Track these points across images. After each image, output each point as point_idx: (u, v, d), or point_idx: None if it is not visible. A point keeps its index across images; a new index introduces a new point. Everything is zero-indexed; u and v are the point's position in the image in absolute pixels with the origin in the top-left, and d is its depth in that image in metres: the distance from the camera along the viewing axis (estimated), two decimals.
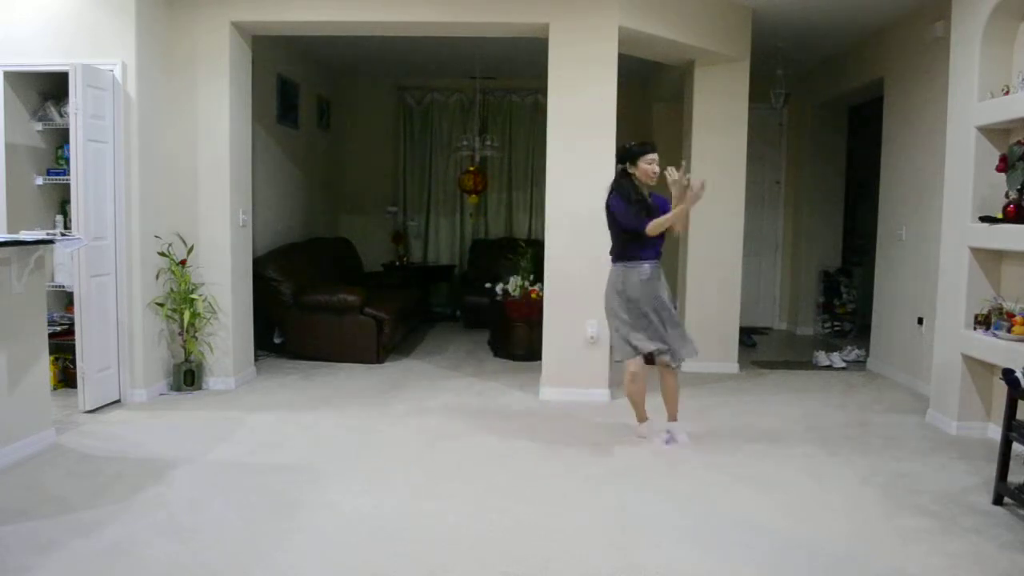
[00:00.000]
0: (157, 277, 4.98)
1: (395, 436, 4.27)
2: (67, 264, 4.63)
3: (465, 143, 8.01)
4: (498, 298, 6.41)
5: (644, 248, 3.99)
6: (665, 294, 4.05)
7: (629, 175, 4.03)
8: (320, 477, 3.58)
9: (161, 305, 4.99)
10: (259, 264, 5.98)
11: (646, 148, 4.02)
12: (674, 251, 6.53)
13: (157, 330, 5.01)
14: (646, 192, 4.03)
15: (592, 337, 5.08)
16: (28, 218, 4.79)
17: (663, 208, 4.02)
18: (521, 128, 8.72)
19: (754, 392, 5.42)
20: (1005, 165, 4.06)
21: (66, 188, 4.68)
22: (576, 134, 5.01)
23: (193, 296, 5.02)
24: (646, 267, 3.99)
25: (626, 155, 4.05)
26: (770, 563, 2.79)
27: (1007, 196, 4.03)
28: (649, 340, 4.02)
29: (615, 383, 5.26)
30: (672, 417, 4.22)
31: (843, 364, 6.30)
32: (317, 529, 3.02)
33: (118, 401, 4.79)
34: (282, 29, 5.44)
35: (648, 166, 3.99)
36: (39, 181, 4.96)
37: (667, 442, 4.14)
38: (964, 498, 3.42)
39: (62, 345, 4.82)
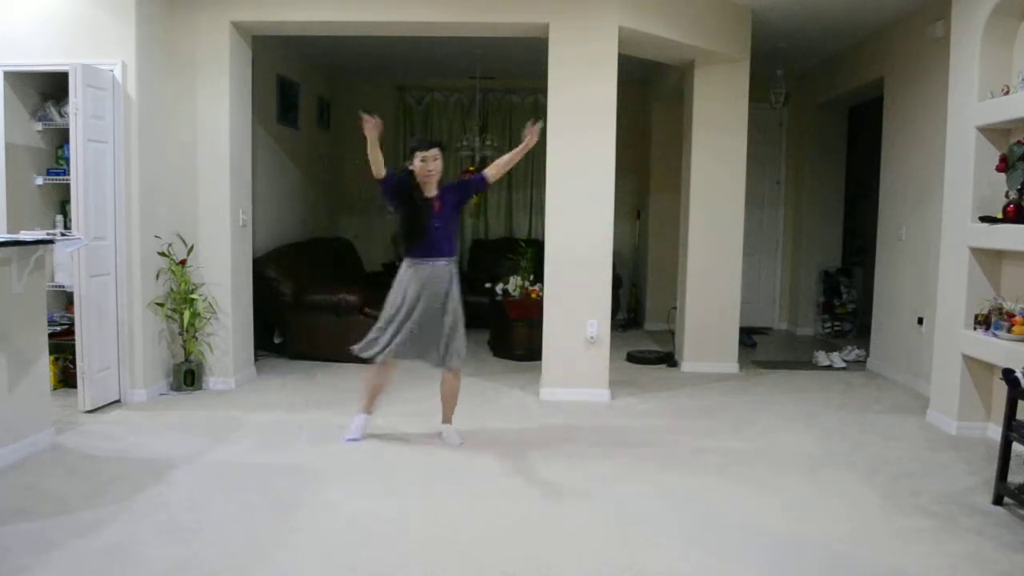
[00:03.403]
0: (157, 277, 4.98)
1: (395, 436, 4.26)
2: (67, 264, 4.62)
3: (465, 143, 8.01)
4: (498, 298, 6.41)
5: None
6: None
7: (411, 172, 3.95)
8: (320, 477, 3.58)
9: (161, 305, 4.99)
10: (259, 264, 5.98)
11: (422, 144, 3.96)
12: (675, 251, 6.54)
13: (157, 330, 5.01)
14: (427, 190, 3.95)
15: (592, 337, 5.08)
16: (28, 218, 4.79)
17: (445, 197, 3.96)
18: (521, 128, 8.62)
19: (754, 392, 5.42)
20: (1005, 165, 4.06)
21: (66, 188, 4.68)
22: (576, 134, 5.01)
23: (193, 296, 5.02)
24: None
25: (410, 150, 4.00)
26: (770, 563, 2.79)
27: (1007, 196, 4.03)
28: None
29: (615, 383, 5.27)
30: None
31: (843, 364, 6.30)
32: (317, 529, 3.02)
33: (118, 401, 4.79)
34: (282, 29, 5.44)
35: (420, 163, 3.90)
36: (39, 181, 4.96)
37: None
38: (964, 498, 3.42)
39: (62, 345, 4.82)
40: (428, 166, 3.91)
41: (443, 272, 3.96)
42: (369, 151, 3.86)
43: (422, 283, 3.94)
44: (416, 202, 3.93)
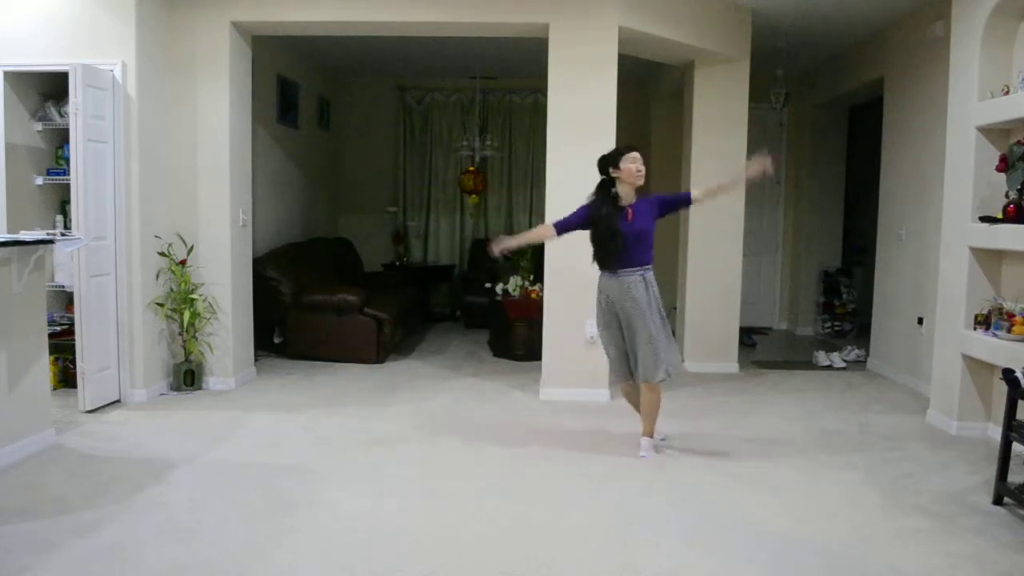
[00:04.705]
0: (157, 277, 4.98)
1: (395, 436, 4.26)
2: (67, 264, 4.63)
3: (465, 143, 8.02)
4: (498, 298, 6.41)
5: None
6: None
7: (611, 182, 3.88)
8: (320, 477, 3.58)
9: (161, 305, 4.99)
10: (259, 264, 5.98)
11: (629, 147, 3.89)
12: (675, 251, 6.55)
13: (157, 330, 5.01)
14: (624, 199, 3.87)
15: (592, 337, 5.07)
16: (28, 218, 4.79)
17: (640, 206, 3.88)
18: (521, 128, 8.72)
19: (754, 392, 5.42)
20: (1005, 165, 4.06)
21: (66, 188, 4.68)
22: (576, 134, 5.01)
23: (193, 296, 5.02)
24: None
25: (607, 161, 3.90)
26: (770, 563, 2.79)
27: (1007, 196, 4.03)
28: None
29: (615, 383, 5.25)
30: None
31: (843, 364, 6.30)
32: (317, 529, 3.02)
33: (118, 401, 4.79)
34: (282, 29, 5.44)
35: (632, 165, 3.82)
36: (39, 181, 4.96)
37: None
38: (964, 498, 3.42)
39: (62, 345, 4.82)
40: (638, 166, 3.83)
41: (633, 281, 3.84)
42: (531, 242, 4.09)
43: (613, 295, 3.88)
44: (606, 214, 3.85)
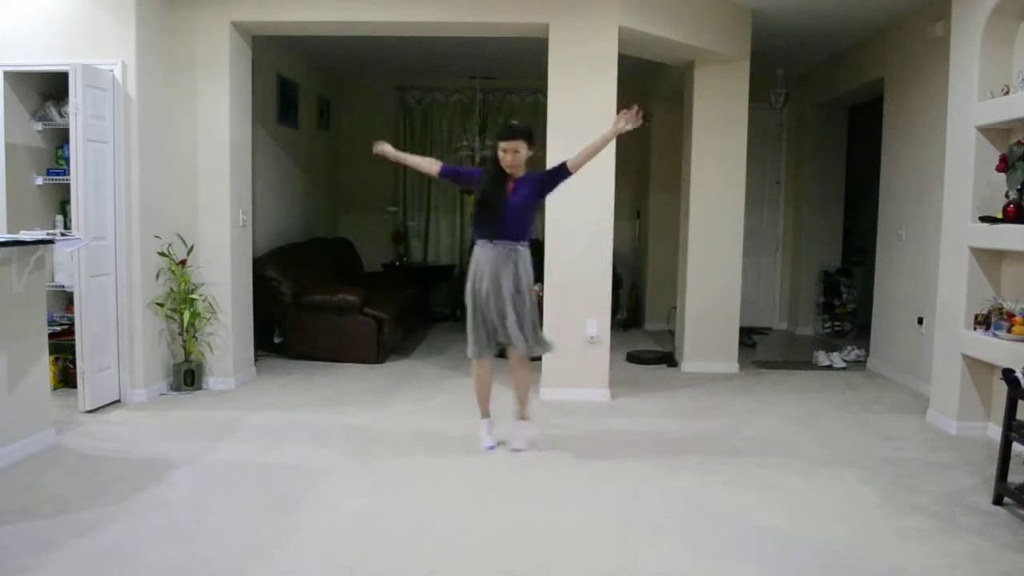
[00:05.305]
0: (157, 277, 4.98)
1: (395, 436, 4.26)
2: (67, 264, 4.63)
3: (465, 143, 8.01)
4: None
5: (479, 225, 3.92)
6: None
7: (496, 157, 3.91)
8: (320, 477, 3.58)
9: (161, 305, 4.99)
10: (259, 264, 5.98)
11: (503, 132, 3.89)
12: (675, 251, 6.55)
13: (157, 330, 5.01)
14: (513, 174, 3.85)
15: (592, 337, 5.08)
16: (28, 218, 4.79)
17: (524, 179, 3.87)
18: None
19: (754, 392, 5.42)
20: (1005, 165, 4.06)
21: (66, 188, 4.68)
22: (576, 134, 4.98)
23: (193, 296, 5.02)
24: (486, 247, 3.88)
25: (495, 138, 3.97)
26: (770, 563, 2.79)
27: (1007, 196, 4.03)
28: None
29: (615, 383, 5.27)
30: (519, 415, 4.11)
31: (843, 364, 6.30)
32: (317, 529, 3.02)
33: (118, 401, 4.79)
34: (282, 29, 5.44)
35: (501, 153, 3.83)
36: (39, 181, 4.96)
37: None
38: (964, 498, 3.42)
39: (62, 345, 4.82)
40: (507, 157, 3.83)
41: (506, 253, 3.82)
42: (412, 165, 4.08)
43: (486, 265, 3.83)
44: (488, 182, 3.86)
